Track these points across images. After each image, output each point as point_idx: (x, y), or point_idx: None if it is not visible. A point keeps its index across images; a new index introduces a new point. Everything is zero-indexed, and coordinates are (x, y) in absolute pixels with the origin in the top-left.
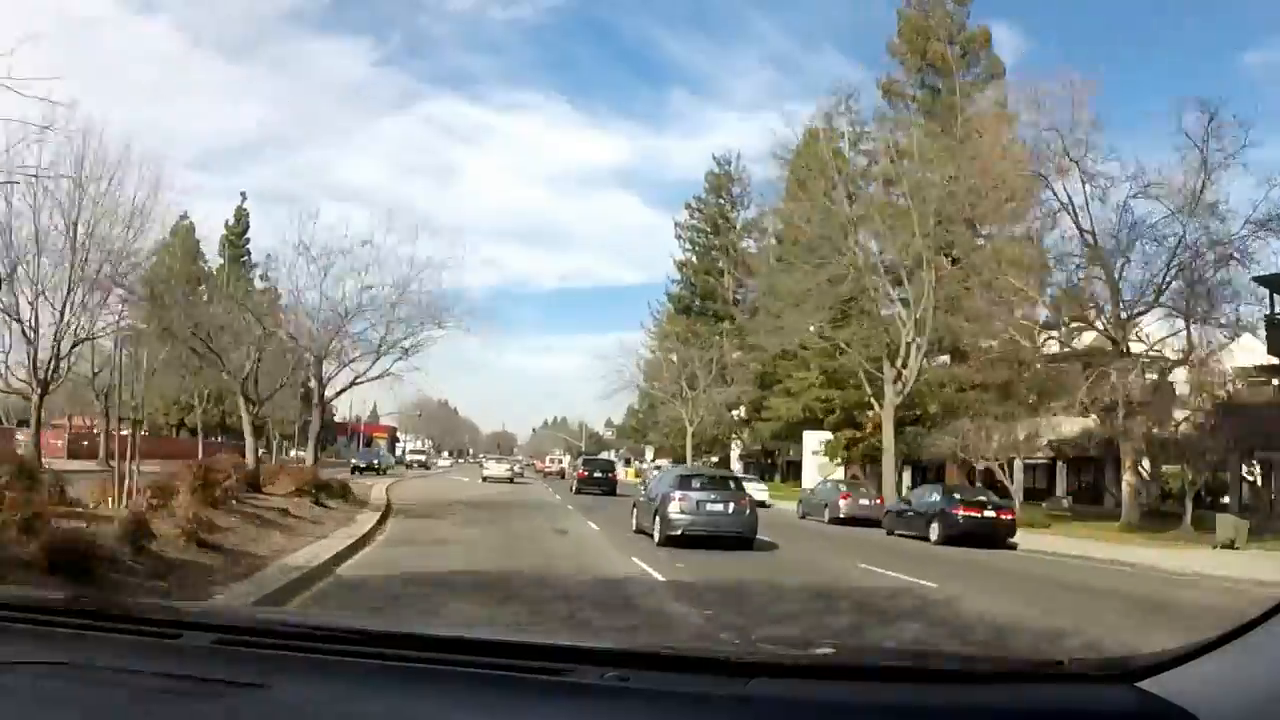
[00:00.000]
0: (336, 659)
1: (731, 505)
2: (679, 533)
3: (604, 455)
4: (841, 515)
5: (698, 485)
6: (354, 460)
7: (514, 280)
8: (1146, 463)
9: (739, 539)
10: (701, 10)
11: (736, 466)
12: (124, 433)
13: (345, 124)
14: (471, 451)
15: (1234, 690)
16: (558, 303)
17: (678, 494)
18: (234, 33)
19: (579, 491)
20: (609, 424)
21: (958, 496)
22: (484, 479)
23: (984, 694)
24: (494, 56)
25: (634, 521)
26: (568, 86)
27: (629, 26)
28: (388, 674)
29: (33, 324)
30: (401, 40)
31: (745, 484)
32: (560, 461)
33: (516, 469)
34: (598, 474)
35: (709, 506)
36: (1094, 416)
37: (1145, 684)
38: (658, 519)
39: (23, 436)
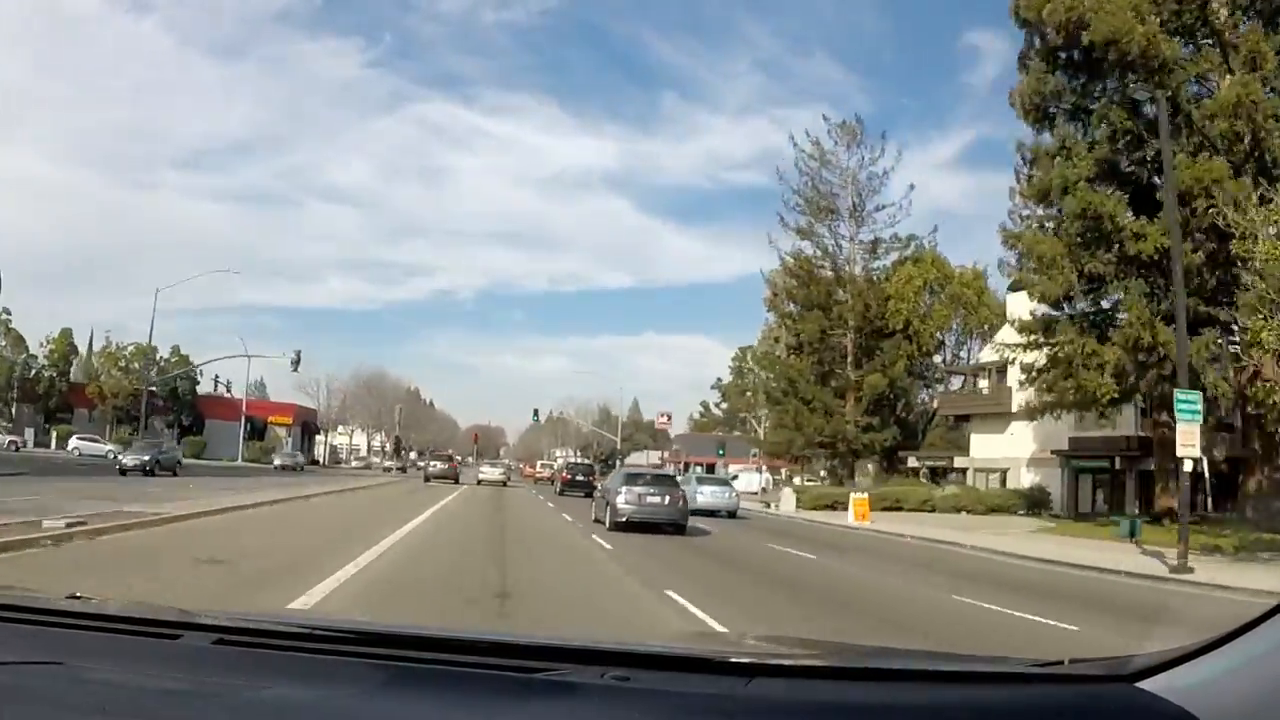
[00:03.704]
0: (337, 659)
1: (667, 498)
2: (624, 520)
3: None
4: None
5: (640, 483)
6: None
7: (503, 282)
8: None
9: (675, 525)
10: (692, 13)
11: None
12: None
13: (335, 125)
14: (431, 450)
15: (1234, 690)
16: (550, 305)
17: (624, 489)
18: (223, 32)
19: (562, 493)
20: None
21: None
22: (479, 481)
23: (984, 694)
24: (485, 59)
25: (593, 512)
26: (558, 89)
27: (619, 29)
28: (387, 674)
29: None
30: (392, 42)
31: None
32: (550, 467)
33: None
34: (579, 478)
35: (649, 499)
36: None
37: (1145, 684)
38: (609, 509)
39: None
